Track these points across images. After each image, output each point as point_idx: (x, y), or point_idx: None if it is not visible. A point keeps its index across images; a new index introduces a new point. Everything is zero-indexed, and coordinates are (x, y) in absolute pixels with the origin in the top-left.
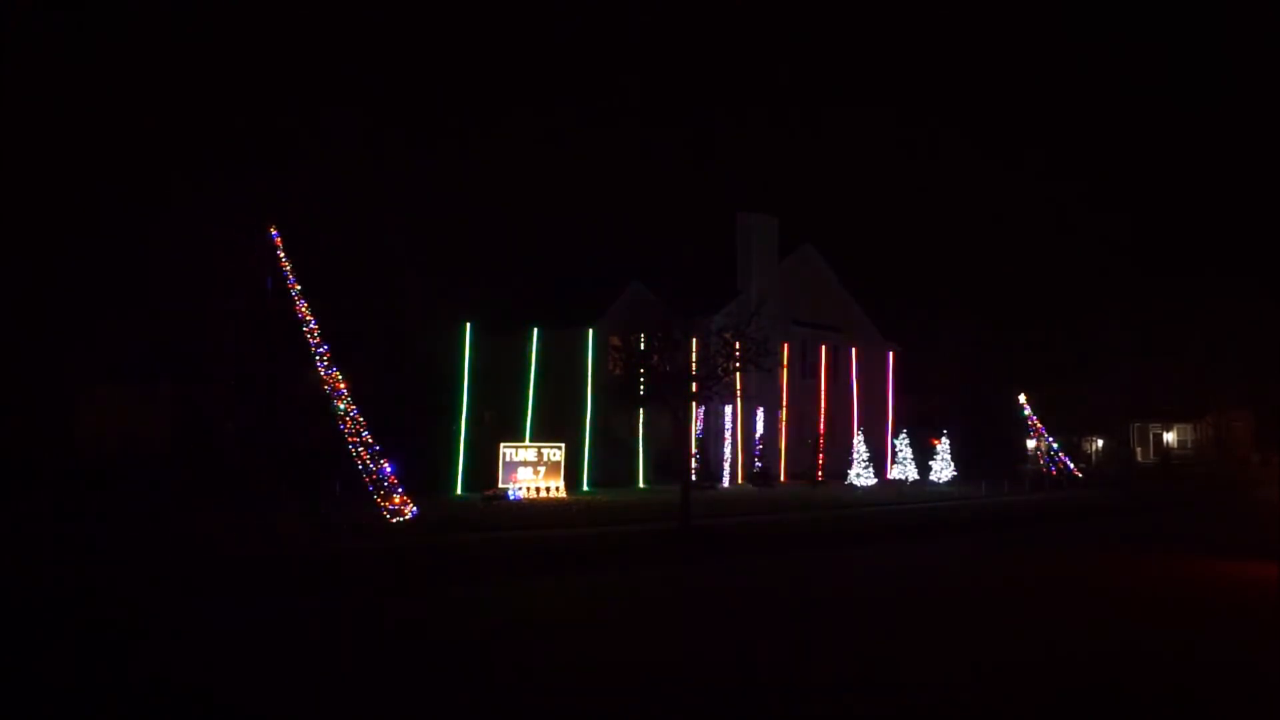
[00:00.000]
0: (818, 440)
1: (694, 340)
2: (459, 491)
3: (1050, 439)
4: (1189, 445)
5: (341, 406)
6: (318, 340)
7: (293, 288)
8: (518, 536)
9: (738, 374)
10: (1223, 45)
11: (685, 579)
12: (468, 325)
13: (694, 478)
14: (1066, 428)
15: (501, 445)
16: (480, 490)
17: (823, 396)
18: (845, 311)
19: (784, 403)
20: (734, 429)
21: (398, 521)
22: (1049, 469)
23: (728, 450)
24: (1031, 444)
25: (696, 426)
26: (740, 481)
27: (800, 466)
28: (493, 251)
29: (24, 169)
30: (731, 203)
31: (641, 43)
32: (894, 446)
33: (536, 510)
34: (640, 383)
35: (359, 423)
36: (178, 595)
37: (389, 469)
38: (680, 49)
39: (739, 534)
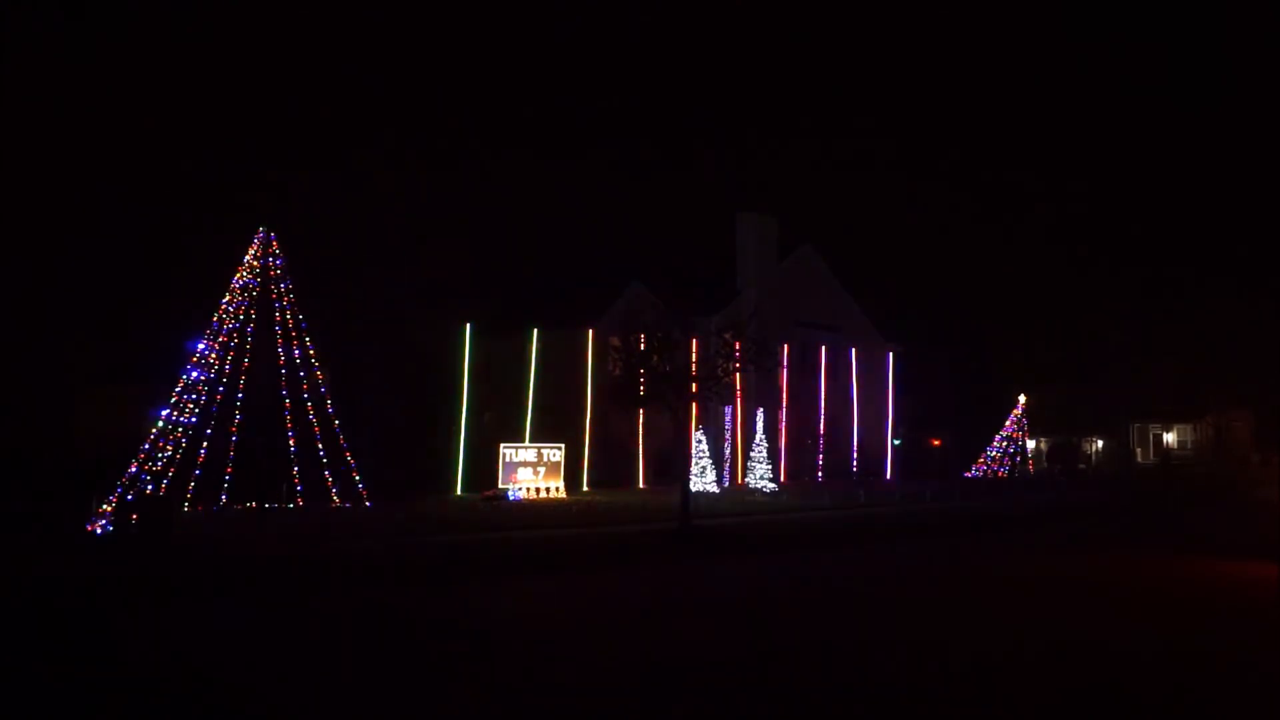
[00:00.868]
0: (818, 440)
1: (694, 340)
2: (459, 491)
3: (1050, 439)
4: (1189, 445)
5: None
6: (316, 340)
7: (291, 288)
8: (518, 536)
9: (737, 374)
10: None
11: (685, 578)
12: (468, 325)
13: (693, 478)
14: (1066, 428)
15: (501, 445)
16: (480, 490)
17: (823, 396)
18: (845, 311)
19: (784, 403)
20: (734, 429)
21: (397, 521)
22: (1048, 469)
23: (727, 450)
24: (1032, 444)
25: (697, 427)
26: (740, 482)
27: (800, 466)
28: (493, 251)
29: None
30: (731, 203)
31: (642, 42)
32: (894, 446)
33: (536, 510)
34: (640, 383)
35: (358, 423)
36: (176, 596)
37: (388, 469)
38: (680, 49)
39: (739, 534)
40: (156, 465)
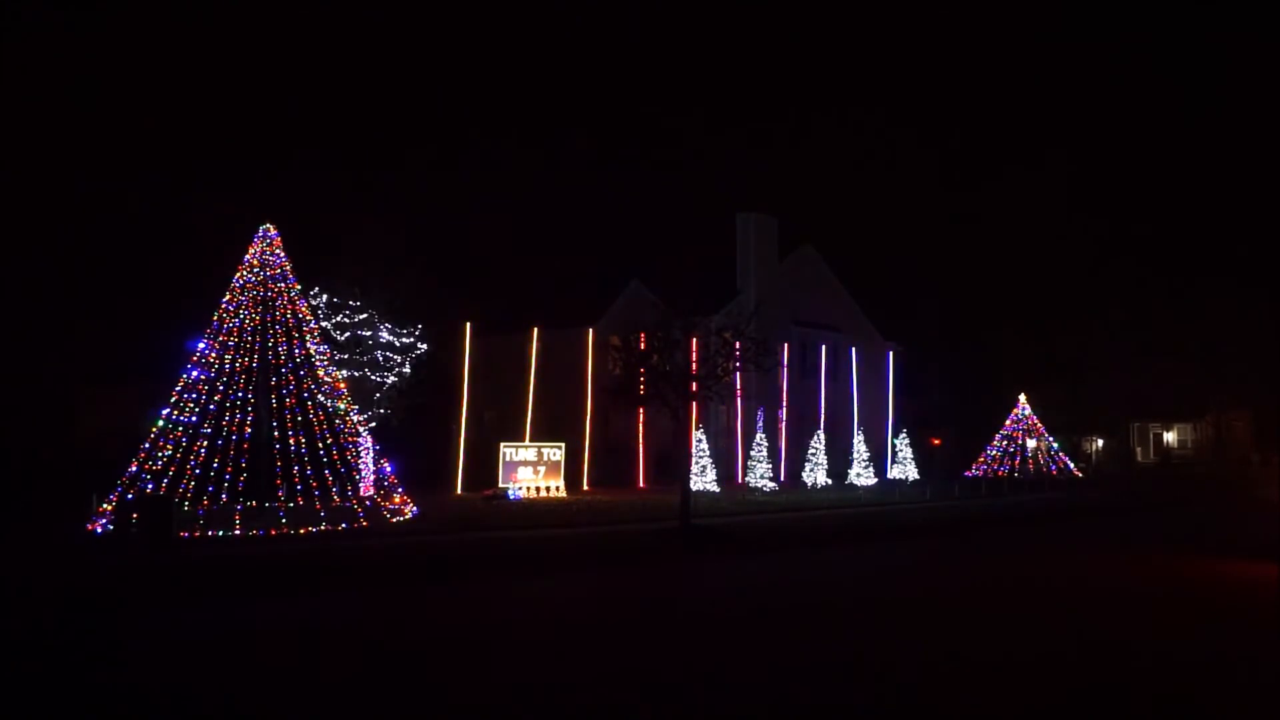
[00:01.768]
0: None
1: (694, 340)
2: (459, 491)
3: (1050, 439)
4: (1189, 445)
5: (342, 406)
6: (318, 340)
7: (293, 287)
8: (518, 536)
9: (738, 374)
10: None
11: (687, 577)
12: (468, 325)
13: (693, 477)
14: (1066, 428)
15: (501, 445)
16: (480, 490)
17: (823, 396)
18: (845, 311)
19: (784, 403)
20: (734, 429)
21: (398, 521)
22: (1048, 469)
23: (728, 450)
24: (1032, 444)
25: (697, 427)
26: (740, 481)
27: (800, 466)
28: (493, 251)
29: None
30: (731, 203)
31: (642, 42)
32: (894, 446)
33: (536, 510)
34: (640, 382)
35: (358, 423)
36: (176, 595)
37: (389, 468)
38: (681, 48)
39: (740, 534)
40: (156, 465)
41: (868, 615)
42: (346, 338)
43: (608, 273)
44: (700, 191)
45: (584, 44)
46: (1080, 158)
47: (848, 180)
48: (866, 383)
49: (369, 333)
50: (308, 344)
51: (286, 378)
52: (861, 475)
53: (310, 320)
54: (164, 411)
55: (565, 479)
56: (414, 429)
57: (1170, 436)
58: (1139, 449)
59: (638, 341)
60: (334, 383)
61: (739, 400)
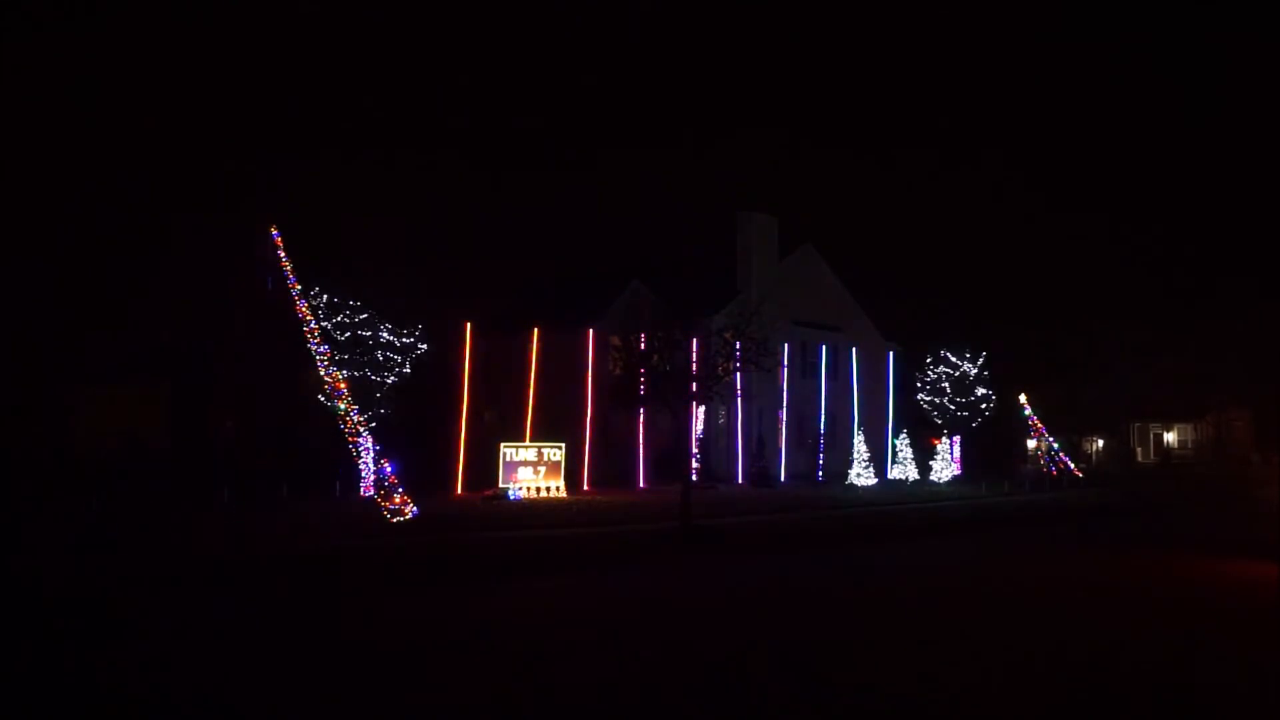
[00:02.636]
0: (818, 440)
1: (694, 340)
2: (459, 491)
3: (1050, 439)
4: (1189, 445)
5: (342, 406)
6: (318, 340)
7: (293, 287)
8: (518, 536)
9: (738, 374)
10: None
11: (688, 578)
12: (468, 325)
13: (694, 478)
14: (1066, 428)
15: (501, 445)
16: (480, 490)
17: (823, 396)
18: (845, 311)
19: (784, 403)
20: (734, 429)
21: (398, 521)
22: (1049, 469)
23: (728, 450)
24: (1032, 444)
25: (697, 426)
26: (740, 481)
27: (800, 466)
28: (493, 251)
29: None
30: (731, 203)
31: (643, 42)
32: (894, 446)
33: (537, 510)
34: (640, 383)
35: (359, 423)
36: (173, 594)
37: (389, 468)
38: (681, 49)
39: (740, 534)
40: (157, 465)
41: (867, 615)
42: (346, 338)
43: (608, 273)
44: (700, 191)
45: (585, 44)
46: (1081, 158)
47: (848, 180)
48: (866, 383)
49: (369, 333)
50: (308, 344)
51: (286, 377)
52: (861, 475)
53: (310, 320)
54: (164, 412)
55: (565, 479)
56: (414, 429)
57: (1170, 436)
58: (1139, 449)
59: (638, 342)
60: (334, 383)
61: (739, 400)
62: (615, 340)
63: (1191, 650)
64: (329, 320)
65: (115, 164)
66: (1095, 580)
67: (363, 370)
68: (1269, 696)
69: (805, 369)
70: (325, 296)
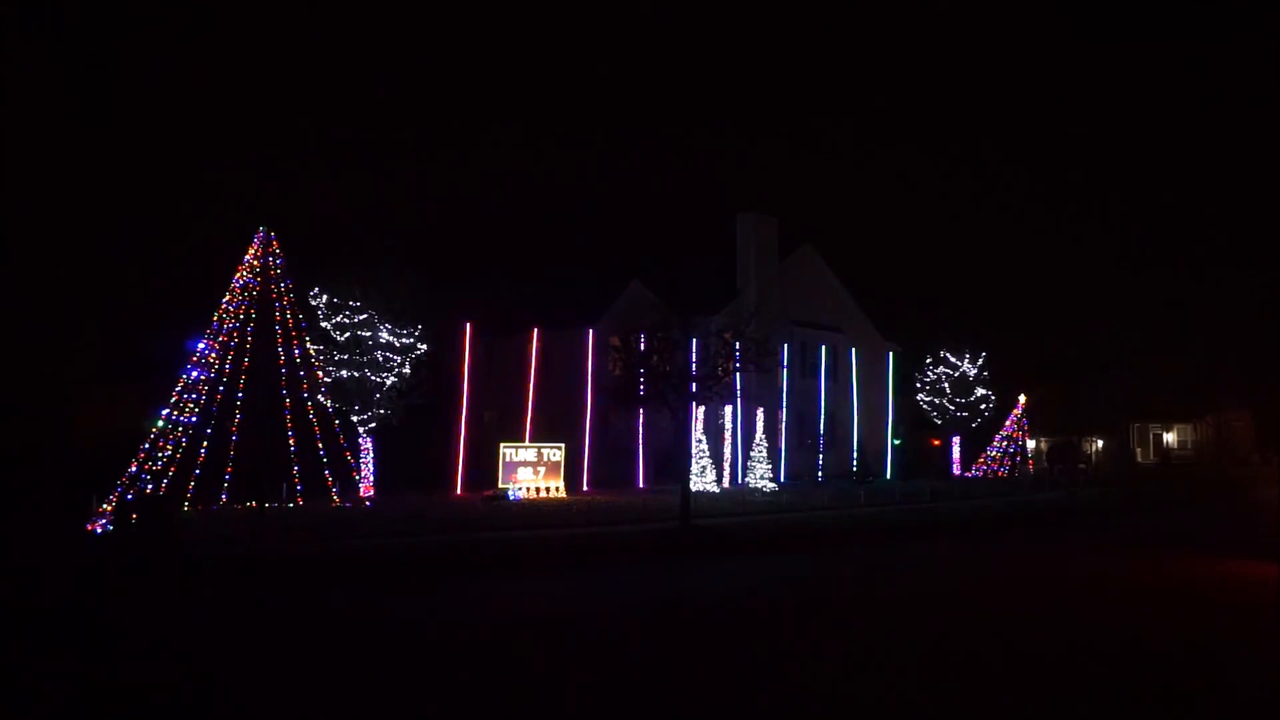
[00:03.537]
0: (818, 440)
1: (694, 340)
2: (459, 492)
3: (1050, 439)
4: (1189, 445)
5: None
6: (317, 341)
7: (291, 288)
8: (518, 536)
9: (738, 374)
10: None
11: (687, 578)
12: (468, 325)
13: (693, 478)
14: (1067, 428)
15: (501, 445)
16: (480, 490)
17: (823, 397)
18: (845, 311)
19: (784, 403)
20: (734, 429)
21: (397, 521)
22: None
23: (728, 450)
24: (1032, 444)
25: (697, 427)
26: (740, 481)
27: (800, 466)
28: (493, 251)
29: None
30: (731, 203)
31: (644, 43)
32: (894, 447)
33: (536, 510)
34: (640, 383)
35: (358, 423)
36: (176, 595)
37: (389, 469)
38: (682, 49)
39: (740, 534)
40: (156, 465)
41: (867, 614)
42: (346, 338)
43: (608, 273)
44: (700, 191)
45: (586, 45)
46: (1081, 158)
47: (848, 180)
48: (866, 383)
49: (369, 333)
50: (306, 344)
51: (285, 378)
52: (860, 475)
53: (308, 320)
54: (163, 412)
55: (565, 479)
56: (414, 429)
57: (1170, 437)
58: (1139, 449)
59: (638, 342)
60: (330, 382)
61: (739, 400)
62: (615, 340)
63: (1191, 650)
64: (329, 320)
65: (116, 165)
66: (1098, 580)
67: (362, 370)
68: (1269, 696)
69: (805, 369)
70: (325, 296)
